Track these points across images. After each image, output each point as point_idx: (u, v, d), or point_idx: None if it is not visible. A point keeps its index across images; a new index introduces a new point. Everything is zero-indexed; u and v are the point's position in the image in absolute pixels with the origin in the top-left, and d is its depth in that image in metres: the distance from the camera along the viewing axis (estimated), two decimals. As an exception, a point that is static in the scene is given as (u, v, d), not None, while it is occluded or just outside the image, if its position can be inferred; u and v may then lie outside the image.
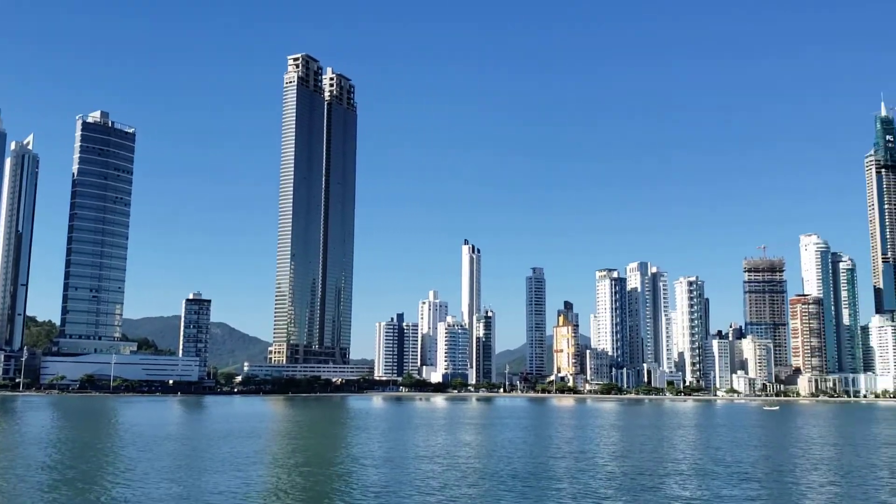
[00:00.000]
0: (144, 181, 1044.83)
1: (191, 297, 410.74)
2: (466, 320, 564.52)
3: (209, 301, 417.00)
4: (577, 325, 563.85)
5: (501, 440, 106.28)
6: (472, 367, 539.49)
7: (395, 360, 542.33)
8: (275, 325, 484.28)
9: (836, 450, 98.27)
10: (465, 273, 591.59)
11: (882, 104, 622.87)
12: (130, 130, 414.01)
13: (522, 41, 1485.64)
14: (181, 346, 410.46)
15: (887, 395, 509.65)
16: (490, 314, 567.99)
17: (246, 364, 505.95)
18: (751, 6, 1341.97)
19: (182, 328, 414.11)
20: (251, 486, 58.67)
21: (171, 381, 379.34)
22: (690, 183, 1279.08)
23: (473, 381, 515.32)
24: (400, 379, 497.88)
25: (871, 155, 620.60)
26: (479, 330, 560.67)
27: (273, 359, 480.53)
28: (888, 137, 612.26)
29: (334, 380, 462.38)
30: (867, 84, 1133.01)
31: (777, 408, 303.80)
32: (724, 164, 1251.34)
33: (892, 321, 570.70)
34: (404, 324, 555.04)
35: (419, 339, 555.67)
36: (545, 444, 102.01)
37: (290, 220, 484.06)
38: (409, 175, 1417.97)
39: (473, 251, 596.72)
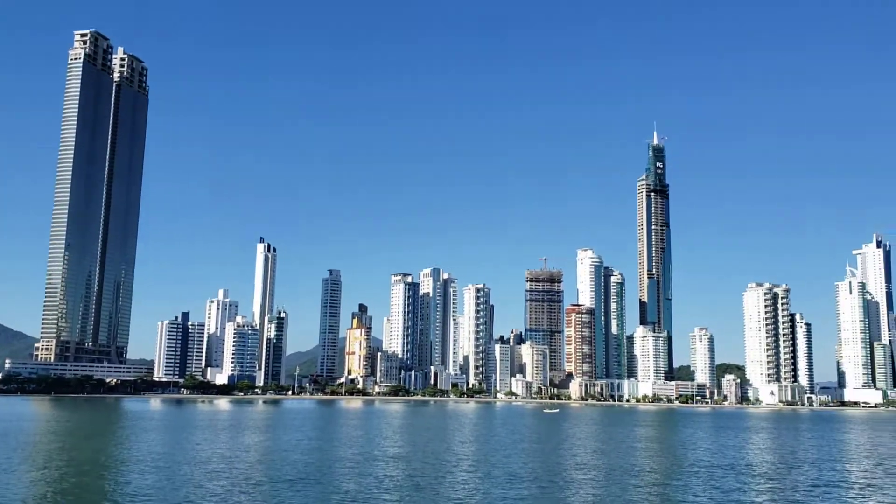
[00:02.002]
0: None
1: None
2: (258, 321, 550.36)
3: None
4: (371, 328, 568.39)
5: (282, 443, 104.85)
6: (260, 368, 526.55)
7: (178, 361, 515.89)
8: (43, 319, 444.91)
9: (603, 450, 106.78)
10: (258, 272, 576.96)
11: (654, 133, 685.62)
12: None
13: (332, 38, 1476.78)
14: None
15: (646, 400, 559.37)
16: (283, 315, 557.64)
17: (7, 361, 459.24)
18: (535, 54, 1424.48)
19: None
20: None
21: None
22: (483, 198, 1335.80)
23: (261, 384, 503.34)
24: (182, 381, 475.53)
25: (642, 179, 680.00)
26: (270, 331, 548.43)
27: (39, 356, 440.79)
28: (658, 164, 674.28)
29: (108, 380, 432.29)
30: (642, 114, 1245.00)
31: (557, 410, 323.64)
32: (511, 183, 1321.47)
33: (654, 332, 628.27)
34: (190, 323, 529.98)
35: (205, 339, 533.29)
36: (326, 446, 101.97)
37: (67, 207, 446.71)
38: (203, 167, 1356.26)
39: (269, 250, 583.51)
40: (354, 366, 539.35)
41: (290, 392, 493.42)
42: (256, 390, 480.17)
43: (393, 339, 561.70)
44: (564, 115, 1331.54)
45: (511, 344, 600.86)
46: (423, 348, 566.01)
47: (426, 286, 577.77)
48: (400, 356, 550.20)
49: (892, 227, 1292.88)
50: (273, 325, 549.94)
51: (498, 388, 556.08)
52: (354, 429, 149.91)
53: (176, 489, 58.94)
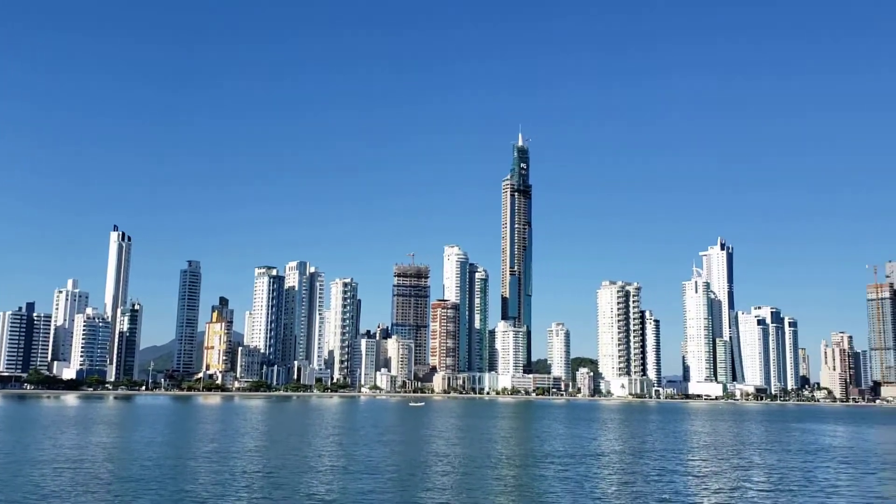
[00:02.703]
0: None
1: None
2: (110, 313, 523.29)
3: None
4: (232, 322, 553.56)
5: (133, 441, 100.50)
6: (112, 363, 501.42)
7: (22, 355, 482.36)
8: None
9: (462, 442, 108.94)
10: (111, 262, 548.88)
11: (519, 135, 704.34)
12: None
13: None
14: None
15: (506, 392, 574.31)
16: (137, 307, 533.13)
17: None
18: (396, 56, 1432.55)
19: None
20: None
21: None
22: (352, 192, 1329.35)
23: (112, 379, 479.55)
24: (26, 375, 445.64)
25: (507, 179, 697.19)
26: (123, 324, 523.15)
27: None
28: (522, 165, 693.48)
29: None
30: (509, 116, 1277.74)
31: (423, 404, 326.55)
32: (379, 178, 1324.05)
33: (514, 327, 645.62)
34: (35, 314, 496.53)
35: (52, 331, 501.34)
36: (180, 443, 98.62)
37: None
38: (51, 154, 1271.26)
39: (123, 239, 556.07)
40: (213, 361, 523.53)
41: (143, 388, 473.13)
42: (107, 386, 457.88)
43: (255, 333, 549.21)
44: (433, 114, 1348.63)
45: (377, 338, 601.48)
46: (287, 343, 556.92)
47: (291, 279, 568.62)
48: (262, 351, 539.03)
49: (735, 231, 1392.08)
50: (126, 318, 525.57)
51: (363, 382, 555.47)
52: (211, 425, 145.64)
53: (13, 490, 55.41)
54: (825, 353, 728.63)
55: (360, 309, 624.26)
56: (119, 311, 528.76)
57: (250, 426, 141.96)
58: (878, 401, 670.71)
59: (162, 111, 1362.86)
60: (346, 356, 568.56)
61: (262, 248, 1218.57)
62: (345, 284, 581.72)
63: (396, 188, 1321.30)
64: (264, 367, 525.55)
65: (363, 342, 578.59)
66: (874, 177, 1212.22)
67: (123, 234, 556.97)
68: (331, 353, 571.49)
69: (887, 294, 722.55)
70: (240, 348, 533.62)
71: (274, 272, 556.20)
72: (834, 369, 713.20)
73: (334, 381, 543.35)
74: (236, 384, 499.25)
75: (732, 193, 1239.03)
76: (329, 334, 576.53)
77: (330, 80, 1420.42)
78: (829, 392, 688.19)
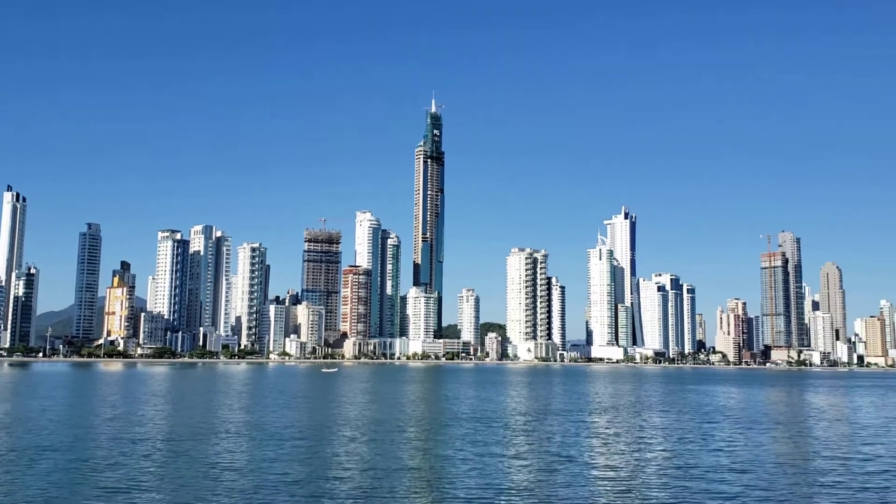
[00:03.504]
0: None
1: None
2: (3, 277, 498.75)
3: None
4: (134, 287, 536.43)
5: (28, 410, 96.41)
6: (6, 329, 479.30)
7: None
8: None
9: (372, 406, 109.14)
10: (5, 224, 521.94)
11: (433, 101, 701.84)
12: None
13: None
14: None
15: (416, 357, 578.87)
16: (33, 271, 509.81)
17: None
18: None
19: None
20: None
21: None
22: (261, 156, 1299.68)
23: (7, 345, 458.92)
24: None
25: (420, 146, 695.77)
26: (18, 288, 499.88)
27: None
28: (435, 132, 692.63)
29: None
30: (423, 83, 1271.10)
31: (336, 370, 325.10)
32: (291, 142, 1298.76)
33: (426, 293, 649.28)
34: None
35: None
36: (79, 411, 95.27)
37: None
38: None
39: (18, 199, 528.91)
40: (115, 327, 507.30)
41: (40, 354, 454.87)
42: (1, 352, 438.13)
43: (159, 299, 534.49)
44: (346, 82, 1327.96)
45: (287, 304, 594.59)
46: (193, 309, 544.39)
47: (197, 244, 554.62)
48: (166, 317, 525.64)
49: (639, 200, 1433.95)
50: (21, 282, 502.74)
51: (271, 349, 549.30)
52: (111, 392, 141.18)
53: None
54: (720, 318, 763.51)
55: (269, 275, 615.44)
56: (14, 275, 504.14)
57: (152, 393, 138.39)
58: (768, 364, 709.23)
59: (63, 77, 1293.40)
60: (253, 322, 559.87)
61: (168, 215, 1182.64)
62: (253, 249, 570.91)
63: (308, 156, 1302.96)
64: (168, 333, 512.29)
65: (272, 308, 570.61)
66: (767, 149, 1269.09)
67: (18, 194, 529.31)
68: (238, 319, 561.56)
69: (779, 262, 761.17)
70: (142, 314, 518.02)
71: (178, 236, 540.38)
72: (728, 334, 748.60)
73: (241, 347, 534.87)
74: (139, 351, 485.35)
75: (637, 162, 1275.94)
76: (236, 300, 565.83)
77: (237, 49, 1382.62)
78: (724, 356, 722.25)
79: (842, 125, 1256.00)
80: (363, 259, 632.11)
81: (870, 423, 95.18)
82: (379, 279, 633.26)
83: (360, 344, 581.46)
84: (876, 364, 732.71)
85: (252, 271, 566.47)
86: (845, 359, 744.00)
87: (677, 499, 42.10)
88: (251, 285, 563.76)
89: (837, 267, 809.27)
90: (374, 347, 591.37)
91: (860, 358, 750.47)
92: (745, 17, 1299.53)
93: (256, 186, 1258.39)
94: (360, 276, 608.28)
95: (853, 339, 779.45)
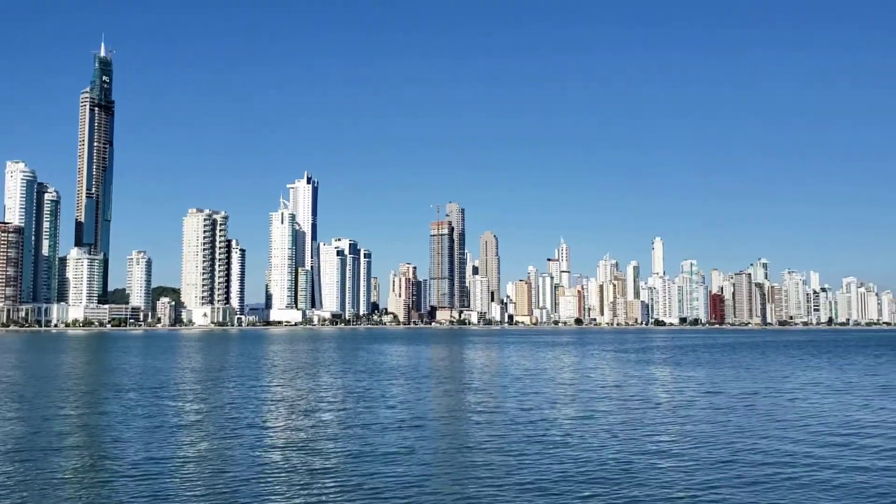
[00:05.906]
0: None
1: None
2: None
3: None
4: None
5: None
6: None
7: None
8: None
9: (24, 381, 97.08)
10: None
11: (102, 45, 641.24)
12: None
13: None
14: None
15: (77, 325, 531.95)
16: None
17: None
18: None
19: None
20: None
21: None
22: None
23: None
24: None
25: (87, 92, 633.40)
26: None
27: None
28: (104, 78, 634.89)
29: None
30: (92, 24, 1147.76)
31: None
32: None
33: (89, 254, 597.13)
34: None
35: None
36: None
37: None
38: None
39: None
40: None
41: None
42: None
43: None
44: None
45: None
46: None
47: None
48: None
49: (322, 165, 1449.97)
50: None
51: None
52: None
53: None
54: (393, 281, 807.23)
55: None
56: None
57: None
58: (433, 323, 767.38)
59: None
60: None
61: None
62: None
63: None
64: None
65: None
66: (441, 127, 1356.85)
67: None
68: None
69: (446, 231, 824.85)
70: None
71: None
72: (400, 296, 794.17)
73: None
74: None
75: (321, 129, 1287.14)
76: None
77: None
78: (395, 316, 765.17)
79: (493, 120, 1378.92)
80: (14, 215, 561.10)
81: (519, 375, 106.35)
82: (34, 238, 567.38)
83: (9, 310, 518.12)
84: (523, 322, 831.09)
85: None
86: (498, 318, 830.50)
87: (361, 454, 42.82)
88: None
89: (495, 236, 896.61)
90: (27, 314, 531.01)
91: (510, 317, 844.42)
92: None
93: None
94: (10, 235, 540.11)
95: (505, 301, 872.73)
